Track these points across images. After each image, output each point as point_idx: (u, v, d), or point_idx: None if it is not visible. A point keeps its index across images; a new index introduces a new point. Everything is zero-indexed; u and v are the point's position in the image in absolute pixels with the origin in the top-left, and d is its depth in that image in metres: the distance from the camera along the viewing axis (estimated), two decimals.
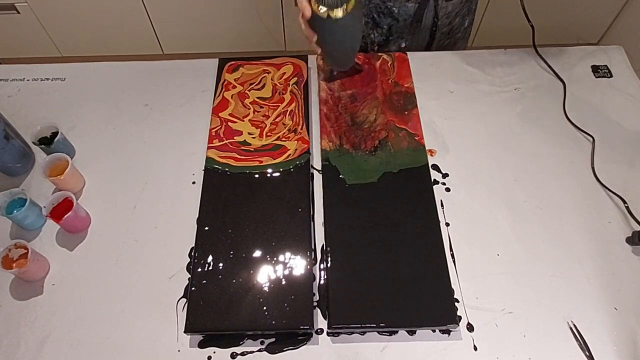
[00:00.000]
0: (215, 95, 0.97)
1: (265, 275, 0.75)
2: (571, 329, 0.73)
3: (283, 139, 0.90)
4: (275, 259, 0.77)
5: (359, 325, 0.71)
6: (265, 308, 0.72)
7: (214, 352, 0.71)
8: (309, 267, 0.76)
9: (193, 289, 0.74)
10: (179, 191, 0.87)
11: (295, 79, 0.99)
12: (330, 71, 0.99)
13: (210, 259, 0.77)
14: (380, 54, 1.03)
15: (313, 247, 0.80)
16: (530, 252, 0.80)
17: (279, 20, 2.00)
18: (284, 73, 1.00)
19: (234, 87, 0.98)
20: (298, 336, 0.72)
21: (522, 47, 1.07)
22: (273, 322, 0.71)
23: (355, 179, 0.85)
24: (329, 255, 0.77)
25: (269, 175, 0.86)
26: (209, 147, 0.89)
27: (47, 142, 0.88)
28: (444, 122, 0.95)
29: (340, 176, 0.85)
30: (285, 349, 0.71)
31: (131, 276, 0.78)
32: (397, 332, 0.73)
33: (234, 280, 0.75)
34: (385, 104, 0.94)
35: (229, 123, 0.93)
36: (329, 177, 0.86)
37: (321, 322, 0.74)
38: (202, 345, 0.72)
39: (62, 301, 0.76)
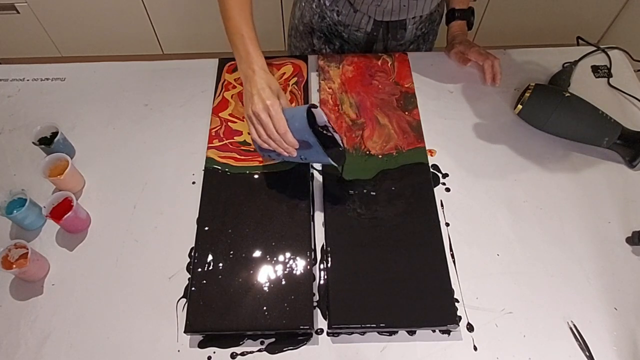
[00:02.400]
0: (215, 95, 0.97)
1: (265, 275, 0.75)
2: (571, 329, 0.73)
3: None
4: (275, 259, 0.77)
5: (359, 325, 0.71)
6: (265, 308, 0.72)
7: (214, 352, 0.71)
8: (308, 267, 0.76)
9: (193, 289, 0.74)
10: (179, 191, 0.87)
11: (295, 79, 0.99)
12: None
13: (210, 259, 0.77)
14: (380, 54, 1.03)
15: (313, 247, 0.80)
16: (530, 252, 0.79)
17: (279, 20, 2.01)
18: (284, 73, 1.00)
19: (234, 87, 0.98)
20: (298, 336, 0.72)
21: (522, 47, 1.07)
22: (273, 322, 0.71)
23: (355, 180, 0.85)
24: (329, 255, 0.77)
25: (269, 175, 0.86)
26: (209, 147, 0.89)
27: (47, 142, 0.88)
28: (444, 122, 0.95)
29: (341, 176, 0.85)
30: (285, 349, 0.71)
31: (131, 276, 0.78)
32: (397, 332, 0.72)
33: (234, 280, 0.75)
34: (398, 133, 0.90)
35: (229, 123, 0.93)
36: (329, 177, 0.86)
37: (321, 322, 0.74)
38: (202, 345, 0.72)
39: (62, 301, 0.76)
